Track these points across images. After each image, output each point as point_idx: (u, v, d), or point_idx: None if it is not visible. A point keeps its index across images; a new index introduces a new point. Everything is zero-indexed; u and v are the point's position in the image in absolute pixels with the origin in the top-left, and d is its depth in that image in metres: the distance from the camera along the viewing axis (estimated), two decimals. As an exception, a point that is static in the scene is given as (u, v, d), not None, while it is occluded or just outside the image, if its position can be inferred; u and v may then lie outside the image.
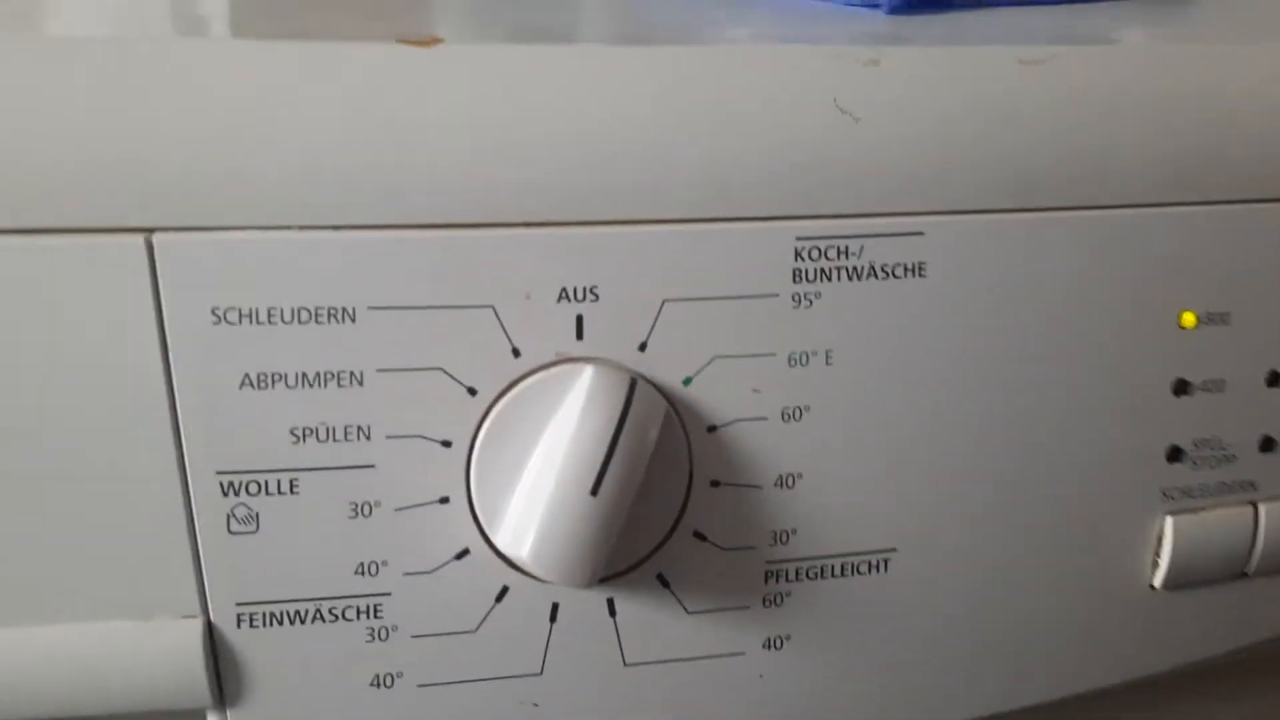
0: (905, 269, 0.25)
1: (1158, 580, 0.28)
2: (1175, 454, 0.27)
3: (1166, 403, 0.27)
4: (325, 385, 0.22)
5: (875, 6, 0.32)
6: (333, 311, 0.22)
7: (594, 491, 0.22)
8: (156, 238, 0.21)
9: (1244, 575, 0.28)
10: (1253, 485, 0.28)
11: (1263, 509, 0.28)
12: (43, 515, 0.22)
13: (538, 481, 0.22)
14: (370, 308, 0.22)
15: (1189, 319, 0.27)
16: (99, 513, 0.22)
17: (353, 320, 0.22)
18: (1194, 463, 0.27)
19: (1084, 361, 0.26)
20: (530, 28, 0.27)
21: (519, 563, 0.23)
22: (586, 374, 0.23)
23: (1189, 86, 0.26)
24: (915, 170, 0.25)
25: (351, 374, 0.22)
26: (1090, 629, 0.28)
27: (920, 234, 0.25)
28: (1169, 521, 0.27)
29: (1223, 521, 0.28)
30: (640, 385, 0.23)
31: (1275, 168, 0.26)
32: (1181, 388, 0.27)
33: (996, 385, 0.26)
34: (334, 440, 0.23)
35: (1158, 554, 0.28)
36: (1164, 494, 0.27)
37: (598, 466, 0.22)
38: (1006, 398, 0.26)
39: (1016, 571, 0.27)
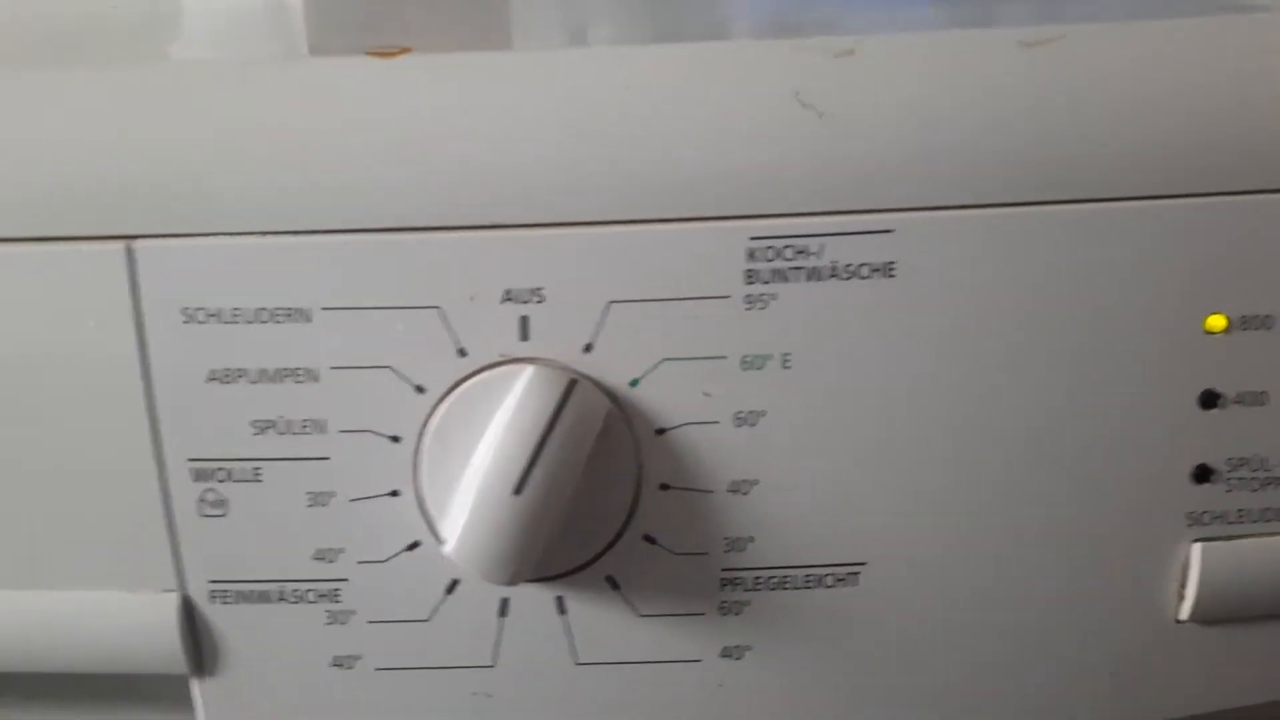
0: (871, 269, 0.23)
1: (1184, 613, 0.25)
2: (1204, 474, 0.24)
3: (1192, 416, 0.24)
4: (283, 381, 0.24)
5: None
6: (289, 312, 0.23)
7: (517, 490, 0.22)
8: (137, 244, 0.24)
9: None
10: (1305, 512, 0.25)
11: (1318, 539, 0.25)
12: (41, 496, 0.24)
13: (470, 479, 0.23)
14: (324, 308, 0.23)
15: (1218, 322, 0.24)
16: (89, 494, 0.24)
17: (308, 320, 0.24)
18: (1228, 484, 0.24)
19: (1084, 368, 0.24)
20: (493, 32, 0.27)
21: (449, 557, 0.23)
22: (525, 374, 0.23)
23: (1222, 64, 0.23)
24: (886, 164, 0.23)
25: (307, 370, 0.24)
26: (1100, 663, 0.25)
27: (889, 231, 0.23)
28: (1196, 548, 0.24)
29: (1263, 551, 0.24)
30: (579, 386, 0.23)
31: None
32: (1210, 400, 0.24)
33: (979, 394, 0.24)
34: (292, 433, 0.24)
35: (1184, 584, 0.25)
36: (1190, 518, 0.24)
37: (522, 466, 0.22)
38: (992, 407, 0.24)
39: (1010, 594, 0.25)
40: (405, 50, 0.25)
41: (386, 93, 0.23)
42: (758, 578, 0.25)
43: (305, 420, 0.24)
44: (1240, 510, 0.25)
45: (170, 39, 0.31)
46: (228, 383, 0.24)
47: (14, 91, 0.23)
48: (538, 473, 0.22)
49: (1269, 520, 0.25)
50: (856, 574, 0.25)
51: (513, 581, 0.23)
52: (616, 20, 0.32)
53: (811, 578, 0.25)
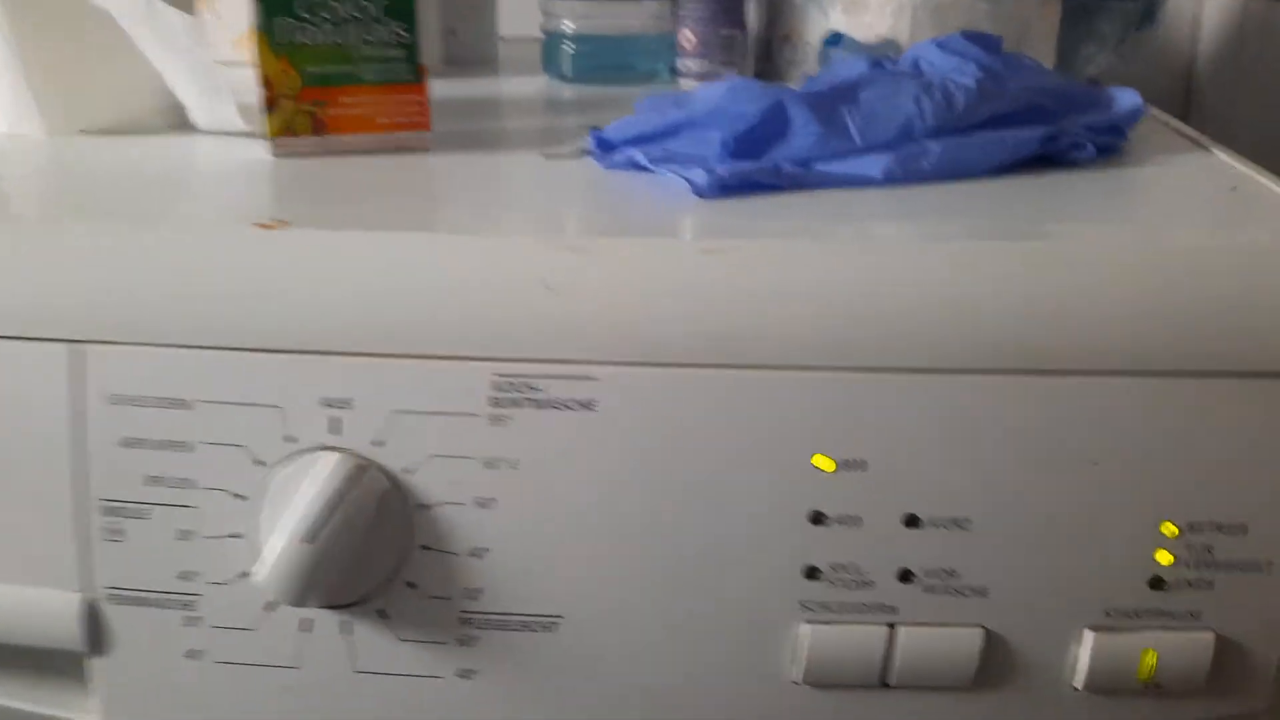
0: (579, 403, 0.33)
1: (797, 676, 0.33)
2: (813, 573, 0.33)
3: (804, 530, 0.33)
4: (168, 450, 0.34)
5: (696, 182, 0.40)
6: (176, 401, 0.34)
7: (310, 540, 0.32)
8: (89, 347, 0.34)
9: (887, 686, 0.33)
10: (893, 609, 0.33)
11: (901, 630, 0.33)
12: (-2, 514, 0.35)
13: (281, 528, 0.32)
14: (200, 401, 0.34)
15: (826, 463, 0.32)
16: (27, 518, 0.34)
17: (188, 409, 0.34)
18: (830, 583, 0.33)
19: (726, 487, 0.33)
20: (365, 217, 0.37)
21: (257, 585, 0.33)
22: (331, 458, 0.33)
23: (842, 275, 0.33)
24: (595, 331, 0.33)
25: (185, 444, 0.34)
26: (740, 710, 0.34)
27: (593, 379, 0.33)
28: (805, 628, 0.33)
29: (856, 635, 0.33)
30: (367, 470, 0.33)
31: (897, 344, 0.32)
32: (818, 519, 0.33)
33: (653, 502, 0.33)
34: (171, 486, 0.34)
35: (795, 656, 0.33)
36: (802, 605, 0.33)
37: (315, 522, 0.32)
38: (662, 511, 0.33)
39: (671, 653, 0.34)
40: (284, 224, 0.35)
41: (259, 255, 0.34)
42: (486, 620, 0.34)
43: (181, 478, 0.34)
44: (840, 602, 0.33)
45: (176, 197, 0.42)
46: (131, 448, 0.34)
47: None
48: (327, 529, 0.32)
49: (862, 612, 0.33)
50: (557, 624, 0.34)
51: (301, 605, 0.32)
52: (456, 214, 0.41)
53: (524, 624, 0.34)
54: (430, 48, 0.68)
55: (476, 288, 0.33)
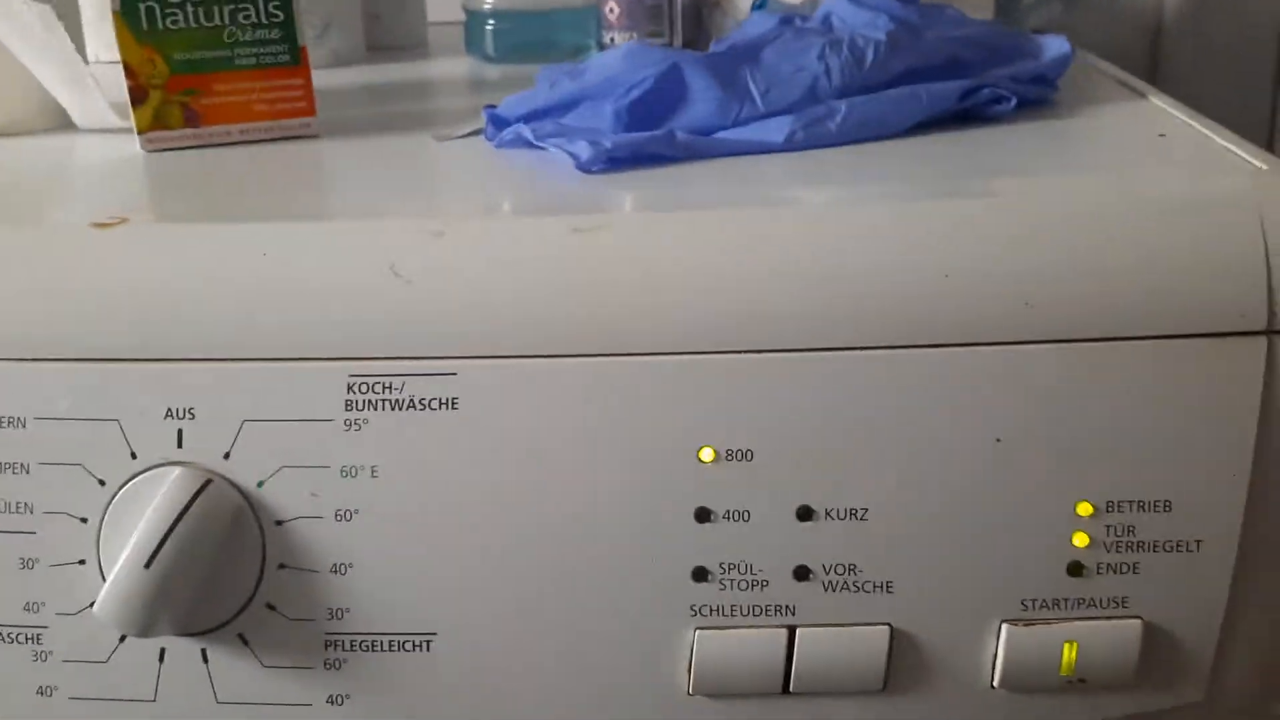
0: (440, 402, 0.30)
1: (690, 687, 0.31)
2: (701, 574, 0.30)
3: (688, 528, 0.30)
4: (3, 472, 0.31)
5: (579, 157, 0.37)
6: (11, 420, 0.31)
7: (147, 565, 0.29)
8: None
9: (789, 693, 0.31)
10: (790, 610, 0.30)
11: (800, 632, 0.30)
12: None
13: (121, 553, 0.30)
14: (35, 418, 0.31)
15: (709, 454, 0.30)
16: None
17: (23, 427, 0.31)
18: (721, 584, 0.30)
19: (604, 485, 0.30)
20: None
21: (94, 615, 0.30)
22: (173, 474, 0.30)
23: (717, 251, 0.30)
24: (454, 322, 0.30)
25: (21, 464, 0.31)
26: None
27: (454, 374, 0.30)
28: (695, 634, 0.30)
29: (751, 639, 0.30)
30: (212, 485, 0.30)
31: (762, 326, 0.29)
32: (704, 515, 0.30)
33: (526, 502, 0.30)
34: (8, 511, 0.31)
35: (691, 661, 0.31)
36: (692, 609, 0.30)
37: (154, 545, 0.29)
38: (535, 513, 0.31)
39: (559, 667, 0.31)
40: (123, 220, 0.33)
41: (94, 256, 0.31)
42: (354, 641, 0.31)
43: (18, 502, 0.31)
44: (733, 605, 0.30)
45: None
46: (-36, 471, 0.31)
47: None
48: (167, 550, 0.29)
49: (757, 615, 0.30)
50: (430, 641, 0.31)
51: (147, 635, 0.30)
52: (315, 201, 0.39)
53: (395, 643, 0.31)
54: (353, 33, 0.66)
55: (323, 279, 0.31)
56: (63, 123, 0.46)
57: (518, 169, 0.38)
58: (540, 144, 0.39)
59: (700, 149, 0.38)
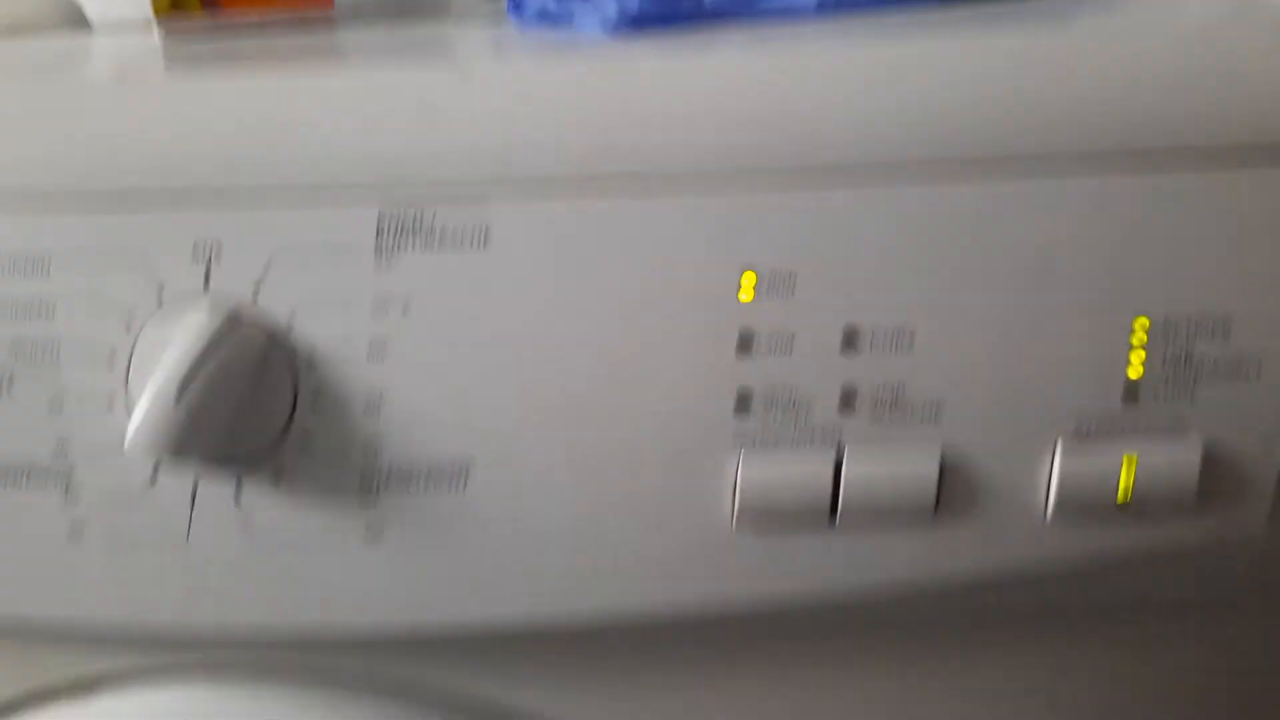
0: (472, 231, 0.29)
1: (733, 520, 0.30)
2: (744, 404, 0.29)
3: (731, 356, 0.29)
4: (29, 315, 0.31)
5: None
6: (35, 262, 0.30)
7: (177, 399, 0.29)
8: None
9: (834, 528, 0.30)
10: (836, 437, 0.29)
11: (847, 460, 0.29)
12: None
13: (149, 390, 0.29)
14: (59, 259, 0.30)
15: (751, 280, 0.29)
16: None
17: (47, 272, 0.30)
18: (764, 414, 0.29)
19: (643, 316, 0.29)
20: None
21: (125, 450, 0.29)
22: (202, 311, 0.30)
23: (762, 74, 0.29)
24: (483, 149, 0.29)
25: (47, 305, 0.30)
26: (671, 559, 0.30)
27: (486, 203, 0.29)
28: (738, 466, 0.30)
29: (796, 469, 0.29)
30: (239, 320, 0.29)
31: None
32: (746, 343, 0.29)
33: (563, 335, 0.30)
34: (35, 353, 0.31)
35: (735, 495, 0.30)
36: (736, 441, 0.30)
37: (181, 381, 0.29)
38: (573, 344, 0.30)
39: (596, 501, 0.30)
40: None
41: (122, 98, 0.31)
42: (389, 474, 0.31)
43: (45, 344, 0.30)
44: (778, 436, 0.30)
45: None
46: (-11, 314, 0.31)
47: None
48: (195, 387, 0.29)
49: (802, 445, 0.30)
50: (467, 470, 0.30)
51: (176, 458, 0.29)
52: (350, 60, 0.39)
53: (430, 473, 0.30)
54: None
55: (351, 113, 0.30)
56: (75, 21, 0.45)
57: (543, 38, 0.38)
58: (563, 13, 0.39)
59: (730, 8, 0.38)
